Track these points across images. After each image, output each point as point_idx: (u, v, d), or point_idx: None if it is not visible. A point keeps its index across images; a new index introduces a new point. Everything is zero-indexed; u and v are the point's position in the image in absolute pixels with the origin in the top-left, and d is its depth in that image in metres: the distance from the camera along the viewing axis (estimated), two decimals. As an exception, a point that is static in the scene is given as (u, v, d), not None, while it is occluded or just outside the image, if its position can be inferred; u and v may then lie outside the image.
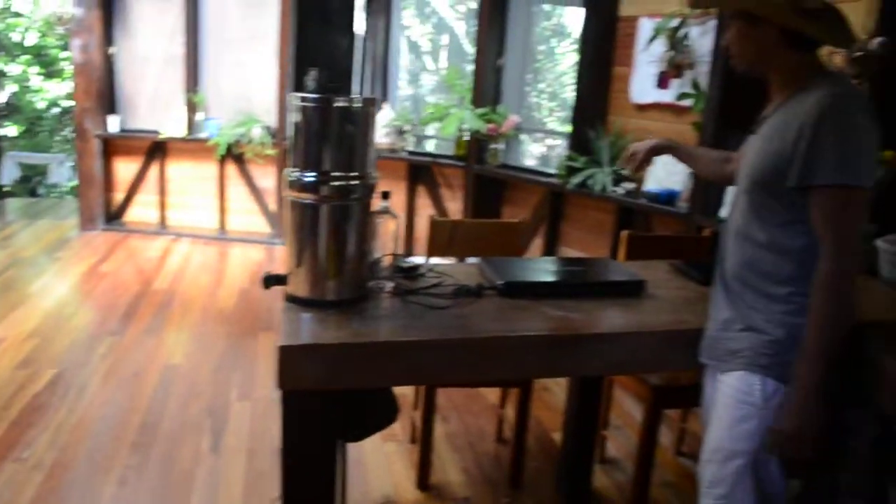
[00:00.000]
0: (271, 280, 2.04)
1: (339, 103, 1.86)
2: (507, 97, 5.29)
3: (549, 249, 4.94)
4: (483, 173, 5.25)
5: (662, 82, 3.95)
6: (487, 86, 5.24)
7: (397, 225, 2.12)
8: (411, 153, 5.82)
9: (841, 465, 1.75)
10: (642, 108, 4.28)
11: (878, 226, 2.59)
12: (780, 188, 1.63)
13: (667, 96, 4.02)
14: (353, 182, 1.92)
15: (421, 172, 5.91)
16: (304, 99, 1.86)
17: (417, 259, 2.35)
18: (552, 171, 4.83)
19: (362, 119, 1.91)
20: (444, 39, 5.54)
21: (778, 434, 1.64)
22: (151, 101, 6.53)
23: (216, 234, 6.52)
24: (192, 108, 6.32)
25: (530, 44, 5.22)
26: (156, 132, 6.37)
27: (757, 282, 1.73)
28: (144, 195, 6.70)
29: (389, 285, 2.12)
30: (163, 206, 6.66)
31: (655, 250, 2.87)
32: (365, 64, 1.82)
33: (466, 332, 1.82)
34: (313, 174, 1.90)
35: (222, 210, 6.51)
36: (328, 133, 1.87)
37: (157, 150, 6.55)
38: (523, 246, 5.28)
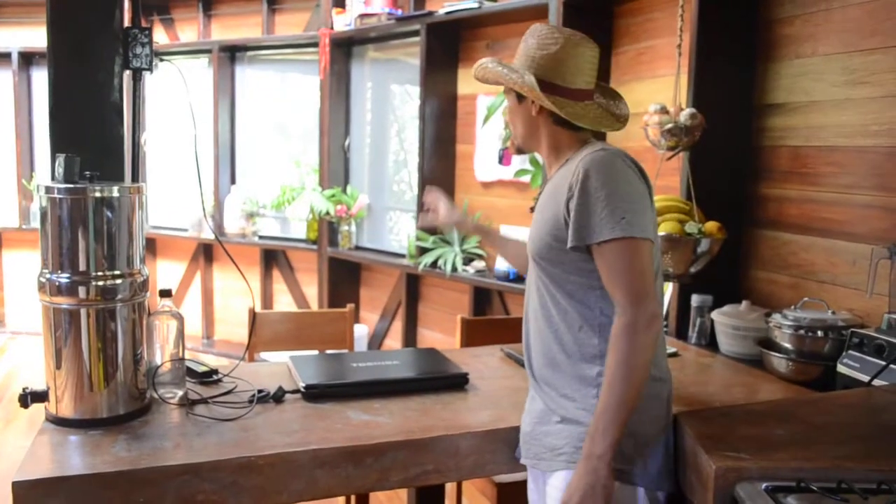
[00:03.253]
0: (30, 397, 1.75)
1: (95, 193, 1.63)
2: (357, 177, 5.16)
3: (408, 332, 4.76)
4: (337, 256, 5.05)
5: (504, 159, 3.90)
6: (335, 166, 5.10)
7: (182, 325, 1.87)
8: (262, 238, 5.56)
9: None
10: (487, 185, 4.23)
11: (713, 297, 2.55)
12: (562, 254, 1.58)
13: (509, 173, 3.98)
14: (117, 281, 1.68)
15: (275, 257, 5.65)
16: (49, 189, 1.62)
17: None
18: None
19: (125, 209, 1.68)
20: (307, 118, 5.37)
21: None
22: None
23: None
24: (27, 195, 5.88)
25: (381, 121, 5.14)
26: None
27: (564, 364, 1.62)
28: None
29: (178, 394, 1.86)
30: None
31: (493, 334, 2.73)
32: (196, 145, 1.66)
33: (246, 450, 1.58)
34: (67, 275, 1.64)
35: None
36: (83, 227, 1.63)
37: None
38: (385, 330, 5.09)
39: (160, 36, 5.89)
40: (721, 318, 2.46)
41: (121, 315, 1.70)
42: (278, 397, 1.89)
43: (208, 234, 5.52)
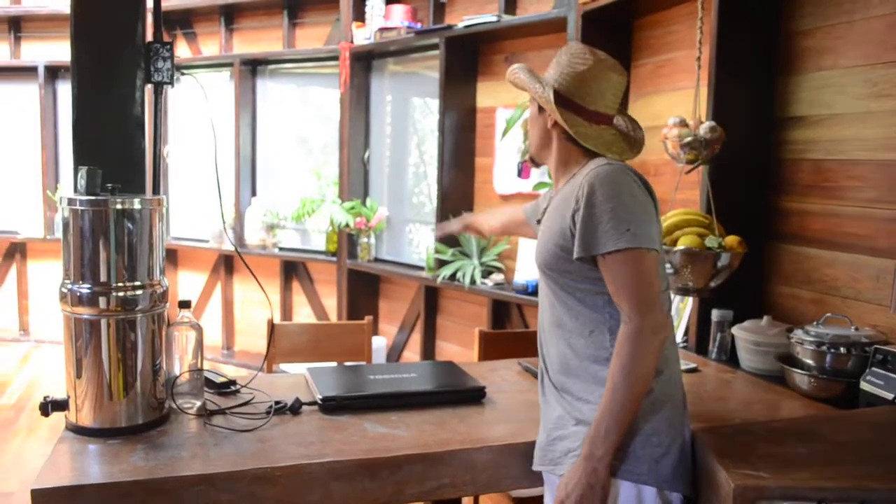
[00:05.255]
0: (51, 406, 1.76)
1: (116, 205, 1.64)
2: (376, 189, 5.18)
3: (427, 344, 4.76)
4: (356, 268, 5.07)
5: (523, 172, 3.89)
6: (355, 179, 5.12)
7: (200, 335, 1.88)
8: (282, 249, 5.59)
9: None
10: (506, 198, 4.22)
11: (734, 312, 2.53)
12: (569, 264, 1.61)
13: (528, 186, 3.98)
14: (137, 292, 1.69)
15: (295, 269, 5.68)
16: (71, 201, 1.64)
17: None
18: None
19: (146, 221, 1.69)
20: (330, 132, 5.41)
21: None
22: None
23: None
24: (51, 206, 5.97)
25: (400, 134, 5.16)
26: (14, 232, 6.08)
27: (578, 368, 1.64)
28: (1, 300, 6.33)
29: (197, 404, 1.87)
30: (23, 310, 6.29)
31: (512, 347, 2.72)
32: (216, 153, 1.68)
33: (263, 461, 1.58)
34: (88, 286, 1.66)
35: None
36: (104, 238, 1.65)
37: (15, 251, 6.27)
38: (401, 344, 5.09)
39: (183, 50, 5.96)
40: (742, 333, 2.43)
41: (141, 325, 1.71)
42: (295, 409, 1.89)
43: (229, 246, 5.55)
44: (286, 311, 5.72)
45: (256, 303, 5.77)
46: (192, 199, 5.95)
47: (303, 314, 5.70)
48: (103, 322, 1.67)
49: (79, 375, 1.69)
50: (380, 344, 5.02)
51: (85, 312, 1.67)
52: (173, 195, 6.07)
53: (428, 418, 1.88)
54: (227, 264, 5.87)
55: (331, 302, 5.47)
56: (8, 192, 6.26)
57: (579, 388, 1.63)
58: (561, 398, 1.68)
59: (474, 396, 2.03)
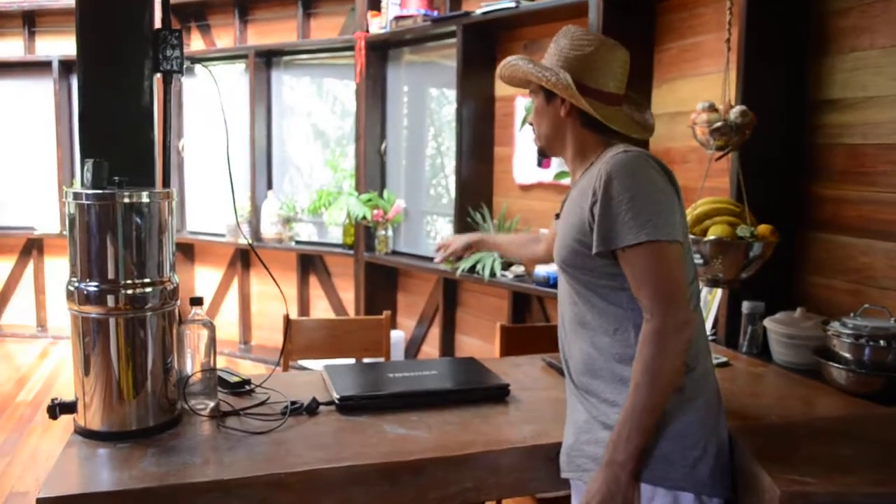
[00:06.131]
0: (59, 408, 1.71)
1: (124, 199, 1.58)
2: (393, 181, 5.11)
3: (446, 338, 4.69)
4: (373, 261, 5.00)
5: (543, 162, 3.81)
6: (371, 170, 5.05)
7: (213, 333, 1.82)
8: (298, 243, 5.53)
9: None
10: (526, 188, 4.13)
11: (765, 304, 2.44)
12: (589, 260, 1.53)
13: (549, 175, 3.89)
14: (147, 290, 1.63)
15: (312, 262, 5.62)
16: (76, 196, 1.57)
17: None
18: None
19: (155, 215, 1.63)
20: (346, 124, 5.36)
21: None
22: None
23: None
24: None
25: (417, 125, 5.08)
26: (31, 228, 6.06)
27: (603, 369, 1.56)
28: (19, 296, 6.36)
29: (210, 405, 1.81)
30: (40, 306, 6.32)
31: (534, 342, 2.64)
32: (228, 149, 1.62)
33: (277, 466, 1.51)
34: (96, 283, 1.60)
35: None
36: (111, 234, 1.58)
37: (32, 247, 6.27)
38: (419, 336, 5.02)
39: (197, 42, 5.91)
40: (774, 326, 2.33)
41: (150, 324, 1.65)
42: (312, 409, 1.82)
43: (244, 241, 5.51)
44: (303, 305, 5.67)
45: (274, 297, 5.72)
46: (208, 193, 5.91)
47: (320, 308, 5.64)
48: (112, 321, 1.61)
49: (87, 377, 1.63)
50: (398, 338, 4.95)
51: (92, 311, 1.61)
52: (190, 189, 6.03)
53: (449, 418, 1.80)
54: (243, 258, 5.83)
55: (348, 295, 5.41)
56: (24, 187, 6.25)
57: (605, 389, 1.55)
58: (585, 400, 1.60)
59: (497, 395, 1.95)
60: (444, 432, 1.72)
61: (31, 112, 6.18)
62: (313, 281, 5.67)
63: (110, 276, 1.60)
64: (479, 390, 1.95)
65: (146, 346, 1.65)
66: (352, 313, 5.32)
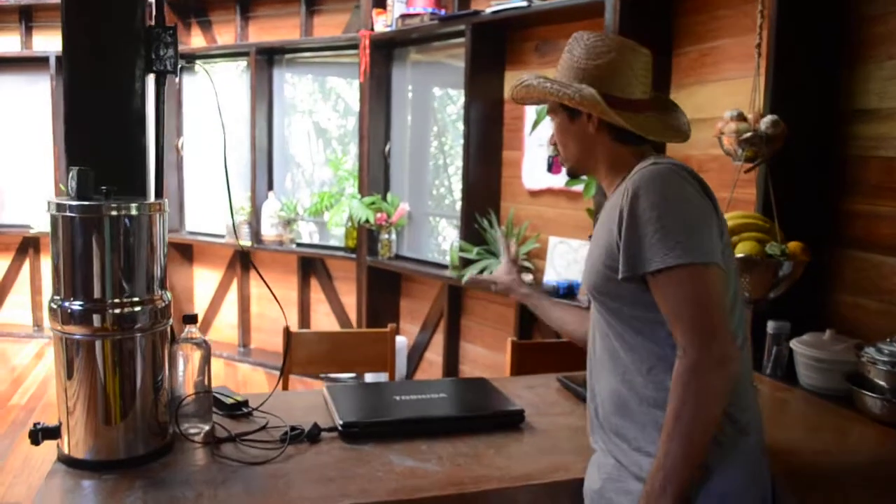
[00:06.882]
0: (41, 434, 1.58)
1: (111, 211, 1.45)
2: (397, 184, 4.98)
3: (450, 346, 4.56)
4: (376, 265, 4.87)
5: (554, 167, 3.69)
6: (375, 172, 4.92)
7: (208, 353, 1.69)
8: (299, 245, 5.41)
9: None
10: (535, 193, 4.01)
11: (791, 324, 2.31)
12: (620, 287, 1.39)
13: (559, 181, 3.76)
14: (135, 308, 1.50)
15: (313, 265, 5.50)
16: (59, 206, 1.45)
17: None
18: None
19: (144, 228, 1.50)
20: (348, 122, 5.24)
21: None
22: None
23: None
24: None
25: (422, 126, 4.95)
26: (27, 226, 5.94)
27: (636, 412, 1.41)
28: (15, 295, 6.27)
29: (204, 429, 1.68)
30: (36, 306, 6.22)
31: (547, 359, 2.52)
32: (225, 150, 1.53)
33: (276, 503, 1.39)
34: (80, 302, 1.47)
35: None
36: (98, 248, 1.46)
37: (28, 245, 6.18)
38: (422, 343, 4.90)
39: (197, 39, 5.78)
40: (802, 348, 2.21)
41: (140, 346, 1.52)
42: (313, 436, 1.70)
43: (245, 241, 5.38)
44: (304, 310, 5.54)
45: (273, 299, 5.60)
46: (208, 192, 5.79)
47: (321, 312, 5.52)
48: (98, 343, 1.48)
49: (71, 402, 1.50)
50: (400, 344, 4.83)
51: (77, 332, 1.48)
52: (189, 189, 5.91)
53: (461, 448, 1.67)
54: (243, 260, 5.71)
55: (350, 300, 5.29)
56: (20, 185, 6.14)
57: (637, 436, 1.40)
58: (614, 445, 1.46)
59: (512, 421, 1.82)
60: (455, 465, 1.59)
61: (28, 108, 6.07)
62: (314, 284, 5.54)
63: (96, 294, 1.47)
64: (492, 416, 1.82)
65: (135, 371, 1.52)
66: (353, 318, 5.19)
